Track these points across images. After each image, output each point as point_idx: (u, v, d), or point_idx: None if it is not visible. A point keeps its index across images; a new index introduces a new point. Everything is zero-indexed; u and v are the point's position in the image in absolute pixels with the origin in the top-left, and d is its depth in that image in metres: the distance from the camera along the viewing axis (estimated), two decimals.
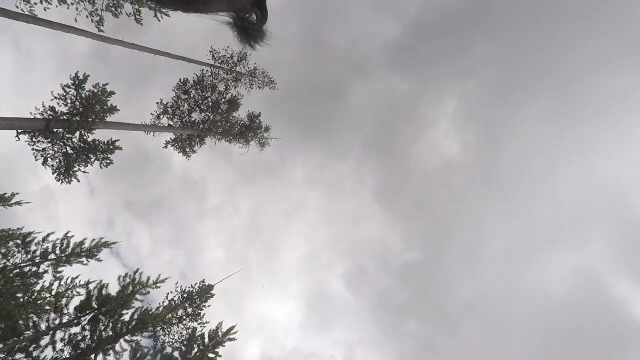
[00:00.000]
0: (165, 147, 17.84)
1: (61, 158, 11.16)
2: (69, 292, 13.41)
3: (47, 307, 12.35)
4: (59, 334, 12.19)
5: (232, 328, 13.83)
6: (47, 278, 13.26)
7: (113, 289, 13.56)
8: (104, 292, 13.23)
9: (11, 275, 12.45)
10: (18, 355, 11.57)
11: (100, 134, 11.70)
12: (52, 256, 13.64)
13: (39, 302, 12.32)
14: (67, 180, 11.38)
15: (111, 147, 11.55)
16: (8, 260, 12.80)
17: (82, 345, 11.96)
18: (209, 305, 15.04)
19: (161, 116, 16.52)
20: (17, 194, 14.30)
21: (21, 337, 11.48)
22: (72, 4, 11.36)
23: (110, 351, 11.98)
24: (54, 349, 11.93)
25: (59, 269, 13.70)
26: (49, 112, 10.61)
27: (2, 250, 12.75)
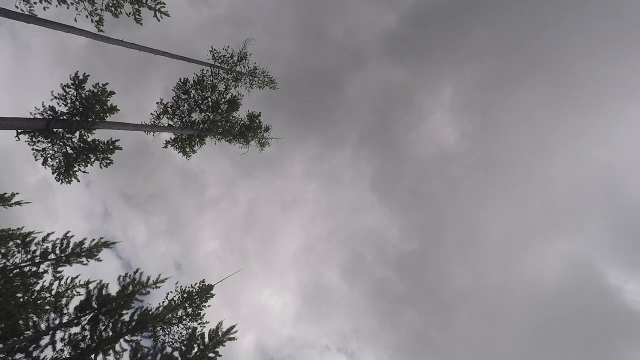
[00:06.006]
0: (165, 147, 17.84)
1: (61, 158, 11.16)
2: (69, 292, 13.39)
3: (47, 307, 12.33)
4: (59, 334, 12.16)
5: (232, 328, 13.80)
6: (47, 278, 13.26)
7: (113, 289, 13.56)
8: (104, 292, 13.20)
9: (11, 275, 12.45)
10: (18, 355, 11.55)
11: (100, 134, 11.72)
12: (52, 256, 13.64)
13: (39, 302, 12.30)
14: (67, 180, 11.39)
15: (111, 147, 11.56)
16: (8, 260, 12.80)
17: (82, 345, 11.93)
18: (209, 305, 15.04)
19: (161, 116, 16.51)
20: (17, 193, 14.30)
21: (21, 337, 11.47)
22: (72, 4, 11.33)
23: (111, 351, 11.95)
24: (53, 349, 11.91)
25: (59, 268, 13.69)
26: (49, 112, 10.60)
27: (2, 250, 12.74)
